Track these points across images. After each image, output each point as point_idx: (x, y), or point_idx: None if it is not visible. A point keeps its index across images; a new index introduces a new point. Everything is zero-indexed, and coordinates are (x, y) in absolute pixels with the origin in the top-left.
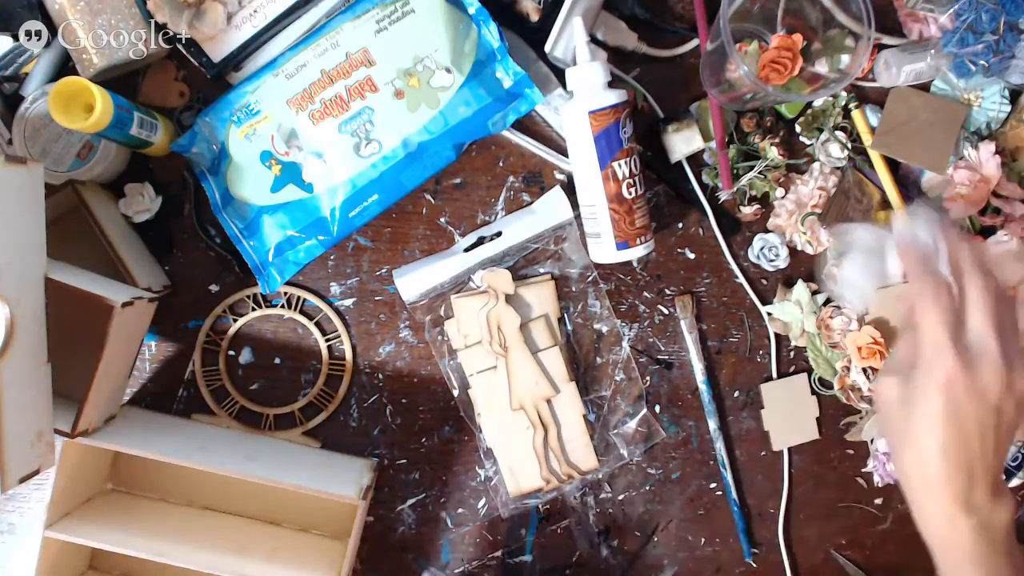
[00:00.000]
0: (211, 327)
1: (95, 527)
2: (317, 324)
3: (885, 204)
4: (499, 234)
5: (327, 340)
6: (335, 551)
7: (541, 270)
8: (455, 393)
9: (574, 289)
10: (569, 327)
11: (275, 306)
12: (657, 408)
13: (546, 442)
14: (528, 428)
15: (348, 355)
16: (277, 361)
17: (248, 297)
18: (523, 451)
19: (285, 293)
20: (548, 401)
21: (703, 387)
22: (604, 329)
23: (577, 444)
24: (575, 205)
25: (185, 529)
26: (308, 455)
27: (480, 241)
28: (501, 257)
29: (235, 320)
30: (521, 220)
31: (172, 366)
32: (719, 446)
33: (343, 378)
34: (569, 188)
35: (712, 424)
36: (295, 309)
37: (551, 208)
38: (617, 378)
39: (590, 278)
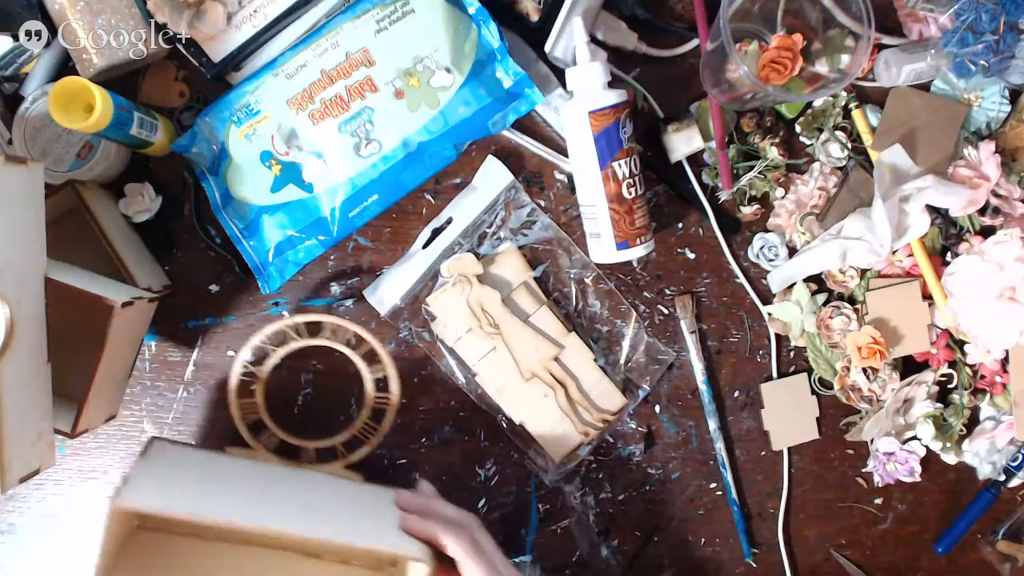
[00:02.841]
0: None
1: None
2: (363, 357)
3: None
4: (450, 221)
5: (372, 373)
6: None
7: (501, 240)
8: (461, 383)
9: (540, 249)
10: (550, 284)
11: (319, 335)
12: (657, 408)
13: (569, 397)
14: (547, 394)
15: (394, 389)
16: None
17: (290, 327)
18: (551, 415)
19: (329, 325)
20: (557, 359)
21: (703, 387)
22: (579, 274)
23: (599, 389)
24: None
25: (222, 568)
26: (358, 496)
27: (435, 234)
28: (459, 243)
29: (275, 350)
30: (467, 200)
31: (172, 367)
32: (719, 446)
33: (387, 412)
34: (569, 188)
35: (712, 424)
36: (339, 340)
37: (491, 178)
38: (606, 314)
39: (550, 236)
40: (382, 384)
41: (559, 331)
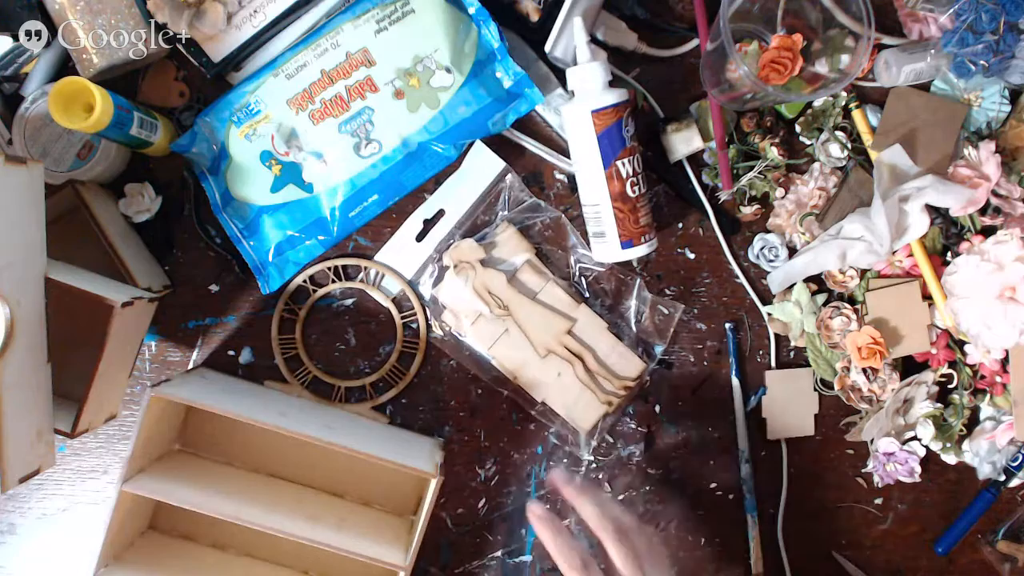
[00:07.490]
0: (290, 296)
1: (169, 485)
2: (394, 301)
3: None
4: (442, 212)
5: (403, 318)
6: (400, 527)
7: (497, 222)
8: (478, 372)
9: (537, 226)
10: (553, 260)
11: (355, 280)
12: (657, 408)
13: (588, 369)
14: (564, 369)
15: (422, 333)
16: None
17: (329, 269)
18: (572, 389)
19: (365, 268)
20: (570, 332)
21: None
22: (577, 252)
23: (615, 356)
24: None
25: (253, 493)
26: (379, 430)
27: (425, 224)
28: (455, 233)
29: (314, 291)
30: (458, 190)
31: (172, 366)
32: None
33: (416, 356)
34: (569, 188)
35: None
36: (374, 285)
37: (480, 165)
38: (608, 285)
39: (547, 216)
40: (412, 331)
41: (569, 304)
